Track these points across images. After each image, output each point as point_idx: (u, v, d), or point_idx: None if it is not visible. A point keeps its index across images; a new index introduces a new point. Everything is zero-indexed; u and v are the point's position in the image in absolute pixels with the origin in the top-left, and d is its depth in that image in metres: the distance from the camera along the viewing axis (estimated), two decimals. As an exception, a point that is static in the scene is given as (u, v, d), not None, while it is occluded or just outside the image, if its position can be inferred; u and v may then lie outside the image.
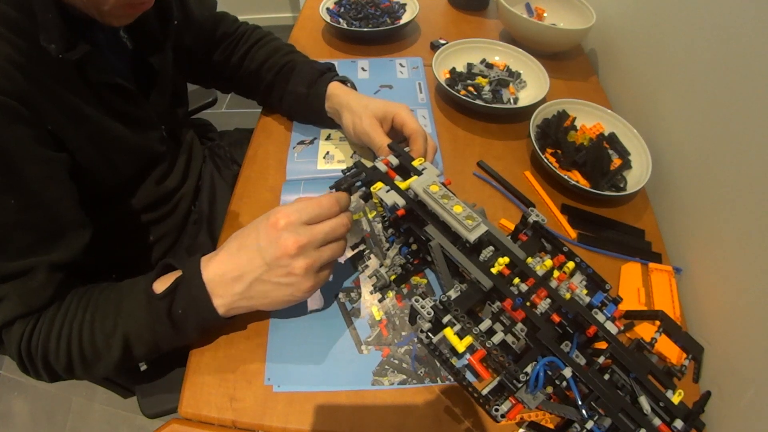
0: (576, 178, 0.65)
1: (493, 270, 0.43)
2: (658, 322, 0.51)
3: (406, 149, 0.56)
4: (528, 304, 0.42)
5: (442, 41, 0.87)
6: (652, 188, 0.66)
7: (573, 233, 0.60)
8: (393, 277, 0.52)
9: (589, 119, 0.72)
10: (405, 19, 0.90)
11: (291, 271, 0.42)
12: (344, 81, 0.67)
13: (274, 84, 0.70)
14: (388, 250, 0.54)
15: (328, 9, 0.92)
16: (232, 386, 0.46)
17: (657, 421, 0.38)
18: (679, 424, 0.38)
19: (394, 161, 0.52)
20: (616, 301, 0.44)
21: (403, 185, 0.48)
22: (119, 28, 0.54)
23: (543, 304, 0.42)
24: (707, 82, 0.57)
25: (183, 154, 0.69)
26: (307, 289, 0.44)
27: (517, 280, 0.43)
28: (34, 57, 0.41)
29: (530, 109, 0.70)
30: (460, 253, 0.45)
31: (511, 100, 0.76)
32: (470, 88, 0.76)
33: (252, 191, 0.64)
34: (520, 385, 0.38)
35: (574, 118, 0.71)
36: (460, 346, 0.39)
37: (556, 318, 0.41)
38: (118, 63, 0.55)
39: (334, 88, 0.65)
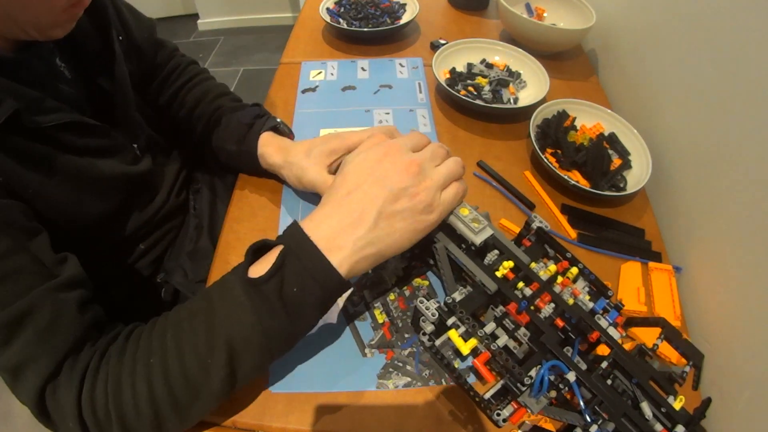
0: (576, 178, 0.65)
1: (498, 273, 0.43)
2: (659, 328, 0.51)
3: None
4: (532, 308, 0.42)
5: (442, 41, 0.87)
6: (652, 188, 0.66)
7: (573, 233, 0.60)
8: (394, 280, 0.52)
9: (589, 119, 0.72)
10: (405, 19, 0.90)
11: (417, 192, 0.40)
12: (275, 127, 0.60)
13: (204, 137, 0.65)
14: None
15: (328, 9, 0.92)
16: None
17: (659, 427, 0.38)
18: (680, 429, 0.38)
19: None
20: (618, 307, 0.44)
21: None
22: (55, 58, 0.48)
23: (547, 309, 0.42)
24: (707, 82, 0.57)
25: (168, 165, 0.66)
26: (439, 211, 0.41)
27: (521, 285, 0.43)
28: None
29: (530, 109, 0.70)
30: (465, 256, 0.45)
31: (511, 100, 0.76)
32: (470, 88, 0.76)
33: (252, 193, 0.64)
34: (524, 389, 0.37)
35: (574, 118, 0.71)
36: (465, 348, 0.38)
37: (559, 323, 0.41)
38: (65, 97, 0.48)
39: (265, 145, 0.58)
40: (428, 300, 0.42)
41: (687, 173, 0.61)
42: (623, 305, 0.44)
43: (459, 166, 0.45)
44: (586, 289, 0.46)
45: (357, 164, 0.42)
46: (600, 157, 0.65)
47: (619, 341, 0.41)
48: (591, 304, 0.43)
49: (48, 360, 0.35)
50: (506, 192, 0.64)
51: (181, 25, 2.60)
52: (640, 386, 0.40)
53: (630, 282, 0.56)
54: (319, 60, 0.85)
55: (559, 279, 0.44)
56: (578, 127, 0.71)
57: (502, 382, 0.39)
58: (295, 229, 0.39)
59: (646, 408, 0.39)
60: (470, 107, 0.73)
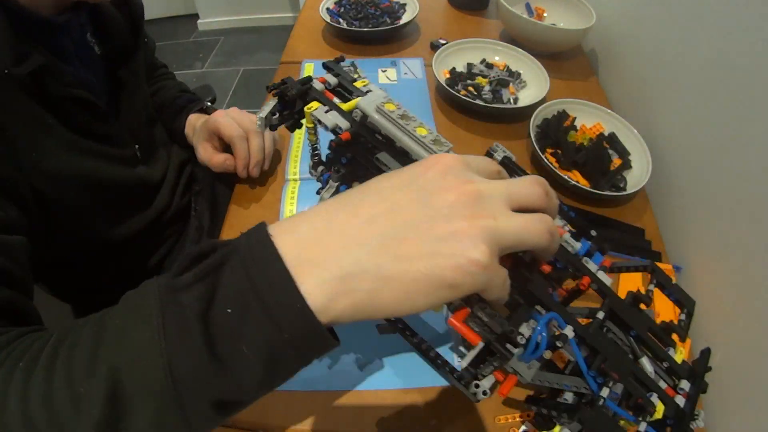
0: (576, 178, 0.65)
1: None
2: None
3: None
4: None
5: (442, 41, 0.87)
6: (652, 188, 0.66)
7: (573, 233, 0.60)
8: None
9: (589, 119, 0.72)
10: (405, 19, 0.90)
11: (467, 223, 0.23)
12: (204, 109, 0.70)
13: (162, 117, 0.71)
14: (320, 191, 0.42)
15: (328, 9, 0.92)
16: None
17: (662, 384, 0.33)
18: (685, 385, 0.34)
19: (332, 80, 0.41)
20: (604, 249, 0.37)
21: (345, 106, 0.38)
22: (86, 33, 0.51)
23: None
24: (707, 82, 0.57)
25: (168, 172, 0.66)
26: (485, 265, 0.23)
27: None
28: None
29: (530, 109, 0.70)
30: None
31: (511, 100, 0.76)
32: (470, 88, 0.76)
33: (251, 194, 0.64)
34: (516, 350, 0.28)
35: (574, 118, 0.71)
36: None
37: (546, 268, 0.33)
38: (86, 74, 0.51)
39: (190, 122, 0.68)
40: None
41: (687, 173, 0.61)
42: (609, 246, 0.37)
43: (546, 226, 0.26)
44: (566, 228, 0.37)
45: (392, 172, 0.28)
46: (600, 157, 0.65)
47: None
48: (578, 245, 0.36)
49: None
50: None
51: (181, 25, 2.60)
52: (639, 339, 0.34)
53: (630, 282, 0.56)
54: (319, 59, 0.85)
55: None
56: (578, 127, 0.71)
57: (481, 345, 0.29)
58: (257, 228, 0.25)
59: (645, 364, 0.34)
60: (470, 107, 0.73)
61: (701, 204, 0.57)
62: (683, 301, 0.39)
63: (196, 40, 2.52)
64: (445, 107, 0.77)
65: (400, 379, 0.47)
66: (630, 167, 0.66)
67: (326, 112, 0.37)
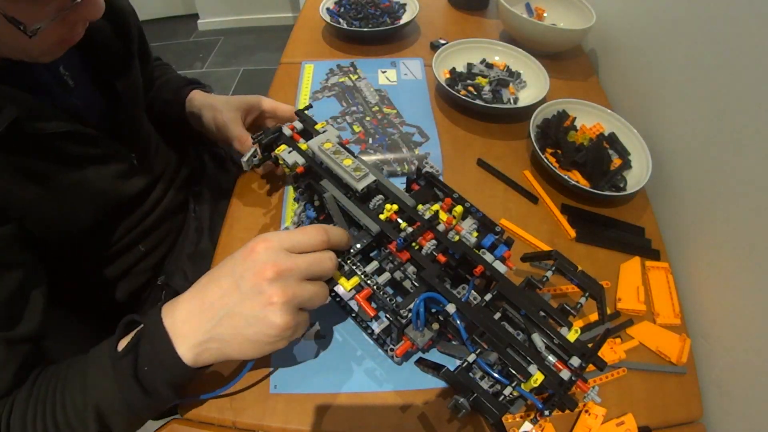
0: (576, 178, 0.65)
1: (382, 216, 0.47)
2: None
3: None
4: (416, 246, 0.45)
5: (442, 41, 0.87)
6: (652, 188, 0.66)
7: (573, 232, 0.60)
8: None
9: (589, 119, 0.72)
10: (405, 19, 0.90)
11: (268, 299, 0.36)
12: (209, 92, 0.69)
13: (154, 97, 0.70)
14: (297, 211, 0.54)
15: (328, 9, 0.92)
16: (232, 386, 0.46)
17: (552, 359, 0.39)
18: (575, 361, 0.38)
19: (299, 126, 0.56)
20: (509, 242, 0.46)
21: (303, 146, 0.52)
22: (59, 66, 0.49)
23: (428, 246, 0.44)
24: (707, 82, 0.57)
25: (165, 173, 0.65)
26: (286, 327, 0.37)
27: (404, 224, 0.46)
28: None
29: (530, 109, 0.70)
30: (350, 203, 0.48)
31: (511, 100, 0.76)
32: (470, 88, 0.76)
33: (251, 195, 0.64)
34: (403, 321, 0.41)
35: (574, 118, 0.71)
36: (347, 285, 0.42)
37: (441, 258, 0.44)
38: (70, 100, 0.50)
39: (196, 93, 0.66)
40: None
41: (687, 173, 0.61)
42: (513, 240, 0.47)
43: (325, 293, 0.40)
44: (474, 226, 0.48)
45: (231, 257, 0.40)
46: (600, 157, 0.65)
47: (507, 275, 0.43)
48: (475, 239, 0.46)
49: None
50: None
51: (181, 25, 2.60)
52: (528, 318, 0.41)
53: (630, 281, 0.56)
54: (319, 60, 0.85)
55: (443, 216, 0.47)
56: (578, 127, 0.71)
57: (384, 319, 0.44)
58: (156, 311, 0.40)
59: (537, 339, 0.40)
60: (470, 107, 0.73)
61: (701, 203, 0.57)
62: (586, 287, 0.44)
63: (196, 40, 2.52)
64: (445, 107, 0.77)
65: (400, 380, 0.47)
66: (630, 167, 0.66)
67: (289, 152, 0.52)
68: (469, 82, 0.77)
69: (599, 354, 0.39)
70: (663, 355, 0.50)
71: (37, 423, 0.38)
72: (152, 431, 0.44)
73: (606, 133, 0.70)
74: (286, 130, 0.55)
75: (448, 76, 0.79)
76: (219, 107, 0.61)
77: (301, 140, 0.54)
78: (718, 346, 0.51)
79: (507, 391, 0.38)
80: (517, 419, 0.45)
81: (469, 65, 0.81)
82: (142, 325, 0.40)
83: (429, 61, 0.80)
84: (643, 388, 0.48)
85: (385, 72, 0.83)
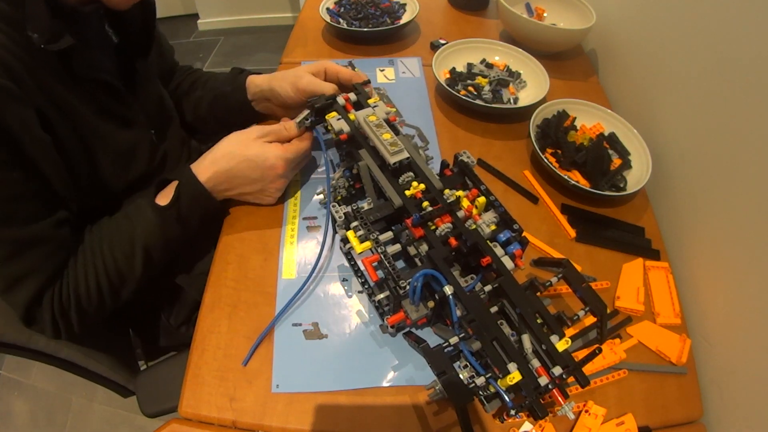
0: (576, 178, 0.65)
1: (407, 192, 0.49)
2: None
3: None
4: (432, 226, 0.46)
5: (442, 41, 0.87)
6: (652, 188, 0.66)
7: (572, 232, 0.60)
8: (339, 198, 0.57)
9: (589, 119, 0.72)
10: (405, 19, 0.90)
11: (272, 149, 0.54)
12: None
13: (188, 94, 0.75)
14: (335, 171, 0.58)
15: (328, 9, 0.92)
16: (232, 386, 0.46)
17: (536, 363, 0.38)
18: (557, 370, 0.38)
19: (353, 98, 0.59)
20: (523, 241, 0.46)
21: (352, 117, 0.56)
22: (104, 24, 0.56)
23: (443, 228, 0.46)
24: (707, 82, 0.57)
25: (181, 154, 0.69)
26: (279, 166, 0.55)
27: (426, 204, 0.47)
28: (23, 46, 0.44)
29: (530, 109, 0.70)
30: (381, 174, 0.51)
31: (511, 100, 0.76)
32: (470, 88, 0.76)
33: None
34: (401, 292, 0.43)
35: (574, 118, 0.71)
36: (359, 247, 0.45)
37: (453, 241, 0.45)
38: (104, 61, 0.56)
39: (253, 77, 0.69)
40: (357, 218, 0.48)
41: (687, 173, 0.61)
42: (528, 240, 0.47)
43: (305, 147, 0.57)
44: (495, 220, 0.48)
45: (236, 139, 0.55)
46: (600, 157, 0.65)
47: (513, 273, 0.43)
48: (489, 231, 0.47)
49: (45, 277, 0.47)
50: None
51: (181, 25, 2.60)
52: (522, 317, 0.41)
53: (630, 281, 0.56)
54: (319, 60, 0.85)
55: (465, 203, 0.48)
56: (578, 127, 0.71)
57: (388, 284, 0.45)
58: (187, 170, 0.53)
59: (525, 340, 0.40)
60: (470, 107, 0.73)
61: (701, 203, 0.57)
62: (588, 303, 0.43)
63: (196, 40, 2.52)
64: (445, 107, 0.77)
65: (401, 378, 0.47)
66: (630, 167, 0.66)
67: (338, 119, 0.56)
68: (469, 82, 0.77)
69: (584, 370, 0.39)
70: (663, 355, 0.50)
71: (90, 281, 0.49)
72: (152, 431, 0.44)
73: (606, 133, 0.70)
74: (340, 99, 0.58)
75: (448, 76, 0.79)
76: (291, 76, 0.63)
77: (352, 111, 0.57)
78: (718, 346, 0.51)
79: (480, 381, 0.38)
80: (517, 420, 0.45)
81: (469, 65, 0.81)
82: (176, 183, 0.52)
83: (429, 61, 0.80)
84: (643, 389, 0.48)
85: (383, 70, 0.83)
